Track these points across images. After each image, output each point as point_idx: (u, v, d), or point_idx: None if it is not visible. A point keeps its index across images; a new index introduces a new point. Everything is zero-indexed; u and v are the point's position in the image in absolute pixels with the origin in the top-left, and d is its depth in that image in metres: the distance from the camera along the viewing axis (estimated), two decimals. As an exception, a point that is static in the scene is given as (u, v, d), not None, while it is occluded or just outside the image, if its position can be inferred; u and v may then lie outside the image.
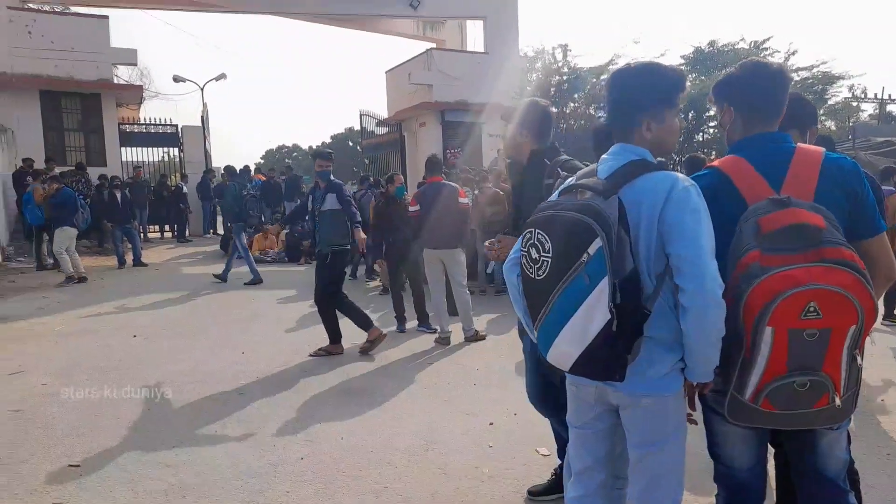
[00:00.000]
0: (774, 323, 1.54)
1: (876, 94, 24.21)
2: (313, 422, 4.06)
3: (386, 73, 21.07)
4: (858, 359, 1.62)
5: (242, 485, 3.20)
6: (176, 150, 18.57)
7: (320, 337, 5.75)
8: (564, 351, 1.69)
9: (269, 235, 11.85)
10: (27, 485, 3.18)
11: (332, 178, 5.75)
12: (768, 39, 21.76)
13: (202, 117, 19.09)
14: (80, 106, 15.50)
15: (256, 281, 9.52)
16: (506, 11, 19.04)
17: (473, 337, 6.13)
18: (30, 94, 14.53)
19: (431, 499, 3.05)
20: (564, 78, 20.04)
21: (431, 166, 6.36)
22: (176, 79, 22.17)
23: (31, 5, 16.49)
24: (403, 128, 19.63)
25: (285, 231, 12.32)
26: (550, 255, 1.66)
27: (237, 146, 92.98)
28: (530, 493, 3.05)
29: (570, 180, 1.86)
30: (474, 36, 21.14)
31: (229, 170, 11.97)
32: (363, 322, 5.67)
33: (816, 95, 19.46)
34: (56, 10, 16.48)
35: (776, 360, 1.58)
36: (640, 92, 1.80)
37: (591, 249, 1.58)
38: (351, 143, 45.27)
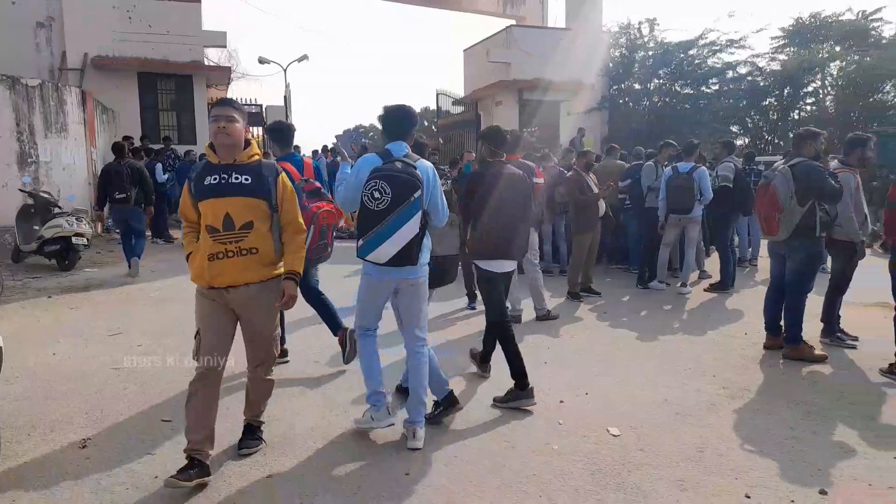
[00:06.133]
0: None
1: None
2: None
3: (464, 51, 20.97)
4: None
5: (318, 446, 3.33)
6: (260, 129, 19.29)
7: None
8: (387, 251, 3.12)
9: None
10: (124, 436, 3.45)
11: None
12: (880, 10, 19.92)
13: (285, 97, 19.75)
14: (174, 87, 16.37)
15: None
16: (590, -15, 18.46)
17: (545, 316, 6.07)
18: (129, 76, 15.47)
19: (500, 471, 3.06)
20: (650, 53, 19.25)
21: (510, 144, 6.25)
22: (261, 60, 22.93)
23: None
24: (479, 107, 19.51)
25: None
26: (390, 195, 3.07)
27: (317, 125, 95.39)
28: (495, 400, 3.92)
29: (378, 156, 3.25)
30: (555, 12, 20.71)
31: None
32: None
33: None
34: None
35: None
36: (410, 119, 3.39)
37: (416, 195, 3.13)
38: (426, 123, 45.48)
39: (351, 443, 3.37)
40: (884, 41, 19.42)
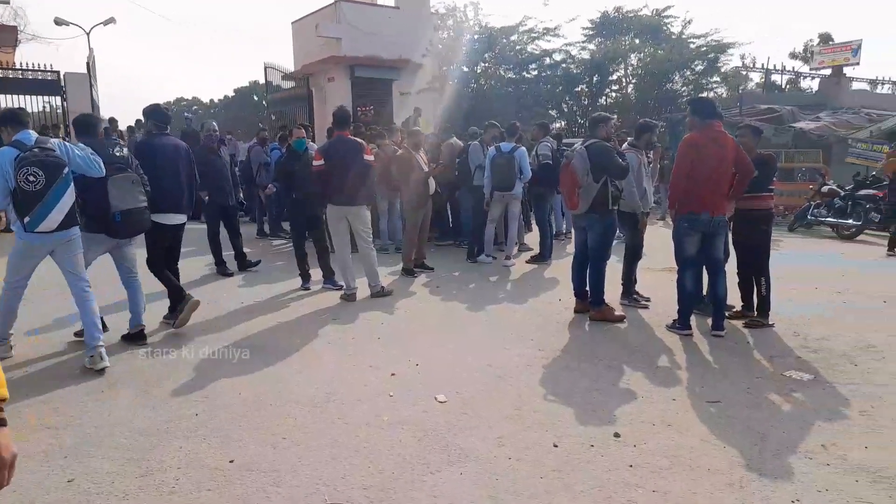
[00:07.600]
0: None
1: (763, 64, 25.90)
2: (212, 378, 3.97)
3: (292, 24, 20.15)
4: None
5: (131, 443, 3.10)
6: (58, 99, 17.02)
7: (221, 294, 5.56)
8: (55, 219, 3.81)
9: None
10: None
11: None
12: (669, 8, 22.57)
13: (88, 64, 17.56)
14: (-58, 46, 13.87)
15: None
16: (417, -36, 18.58)
17: (379, 293, 6.16)
18: None
19: (331, 447, 3.09)
20: (475, 37, 19.95)
21: (339, 120, 6.17)
22: (58, 21, 20.15)
23: None
24: (311, 82, 18.93)
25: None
26: (43, 176, 3.73)
27: (130, 98, 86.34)
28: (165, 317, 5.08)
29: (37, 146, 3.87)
30: (384, -11, 20.56)
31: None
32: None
33: (709, 63, 20.44)
34: None
35: None
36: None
37: (65, 171, 3.84)
38: (256, 98, 43.27)
39: (162, 436, 3.19)
40: (673, 36, 21.99)
